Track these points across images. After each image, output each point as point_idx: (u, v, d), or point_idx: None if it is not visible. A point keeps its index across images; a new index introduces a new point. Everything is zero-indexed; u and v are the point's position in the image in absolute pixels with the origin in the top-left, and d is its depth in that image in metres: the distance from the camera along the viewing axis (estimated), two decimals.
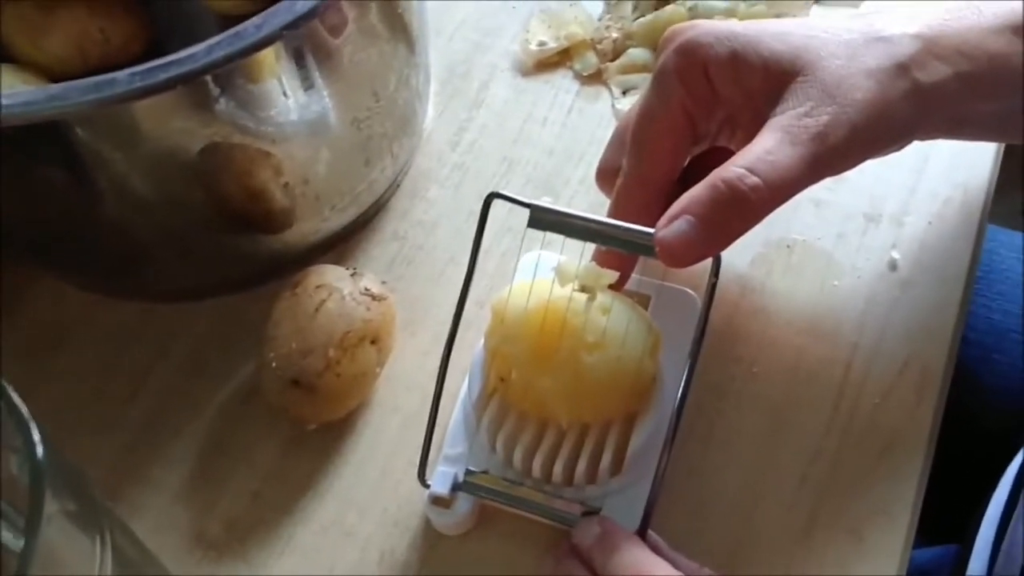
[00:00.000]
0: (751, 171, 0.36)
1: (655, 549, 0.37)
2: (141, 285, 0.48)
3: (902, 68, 0.37)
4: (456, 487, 0.40)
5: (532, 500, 0.39)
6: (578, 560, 0.38)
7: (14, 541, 0.32)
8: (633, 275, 0.43)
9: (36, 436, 0.26)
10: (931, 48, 0.38)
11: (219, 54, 0.34)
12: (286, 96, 0.40)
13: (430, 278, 0.48)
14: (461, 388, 0.42)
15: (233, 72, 0.37)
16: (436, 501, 0.40)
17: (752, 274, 0.46)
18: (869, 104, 0.37)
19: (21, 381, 0.28)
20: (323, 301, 0.41)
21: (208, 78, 0.36)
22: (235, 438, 0.44)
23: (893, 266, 0.46)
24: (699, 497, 0.41)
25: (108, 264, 0.47)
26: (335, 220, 0.47)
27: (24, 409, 0.26)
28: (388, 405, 0.44)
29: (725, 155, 0.38)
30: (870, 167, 0.41)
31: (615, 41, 0.53)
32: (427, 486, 0.40)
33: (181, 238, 0.44)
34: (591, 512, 0.38)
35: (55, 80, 0.40)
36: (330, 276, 0.42)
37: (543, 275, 0.41)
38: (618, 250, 0.39)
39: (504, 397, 0.40)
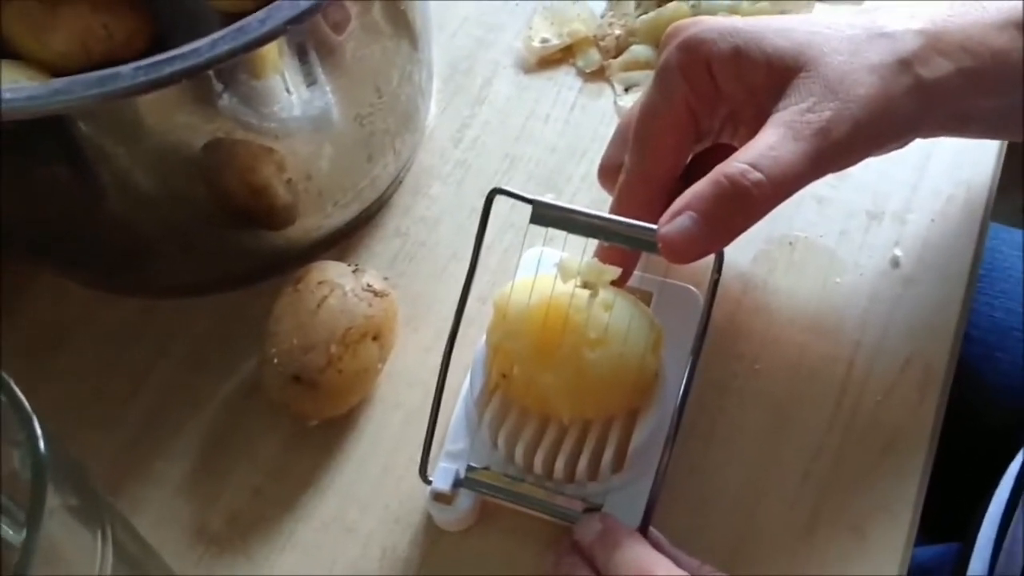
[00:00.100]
0: (754, 167, 0.36)
1: (656, 546, 0.37)
2: (143, 281, 0.48)
3: (905, 64, 0.37)
4: (457, 483, 0.40)
5: (533, 496, 0.39)
6: (579, 557, 0.38)
7: (15, 536, 0.32)
8: (635, 272, 0.43)
9: (38, 430, 0.26)
10: (934, 44, 0.38)
11: (223, 48, 0.34)
12: (289, 92, 0.40)
13: (432, 275, 0.48)
14: (463, 384, 0.42)
15: (236, 67, 0.37)
16: (437, 497, 0.40)
17: (754, 271, 0.46)
18: (872, 99, 0.37)
19: (22, 378, 0.28)
20: (325, 297, 0.41)
21: (211, 73, 0.36)
22: (236, 434, 0.44)
23: (896, 263, 0.46)
24: (701, 494, 0.41)
25: (110, 260, 0.47)
26: (337, 216, 0.47)
27: (26, 403, 0.26)
28: (390, 401, 0.44)
29: (728, 152, 0.37)
30: (873, 164, 0.41)
31: (618, 38, 0.53)
32: (429, 482, 0.40)
33: (183, 234, 0.44)
34: (592, 509, 0.38)
35: (58, 76, 0.40)
36: (332, 272, 0.42)
37: (545, 271, 0.41)
38: (621, 246, 0.39)
39: (506, 393, 0.40)
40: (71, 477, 0.27)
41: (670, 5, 0.53)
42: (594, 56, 0.53)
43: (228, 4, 0.45)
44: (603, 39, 0.53)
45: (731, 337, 0.44)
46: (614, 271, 0.39)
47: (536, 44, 0.53)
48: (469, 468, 0.40)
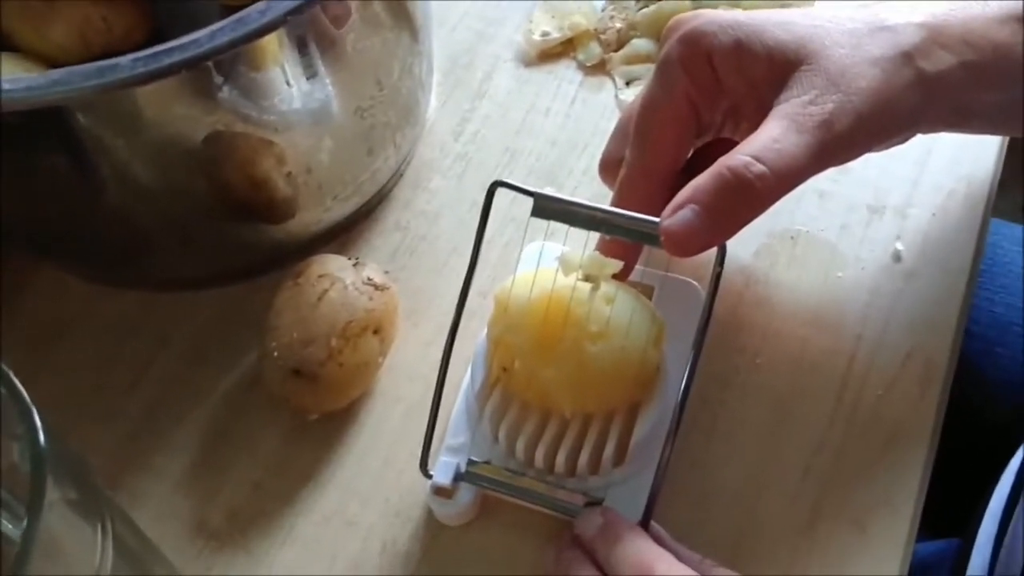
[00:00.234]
0: (757, 159, 0.35)
1: (658, 540, 0.37)
2: (142, 275, 0.48)
3: (907, 57, 0.37)
4: (458, 477, 0.40)
5: (534, 490, 0.39)
6: (580, 551, 0.37)
7: (14, 530, 0.32)
8: (637, 266, 0.43)
9: (38, 423, 0.26)
10: (936, 37, 0.38)
11: (223, 39, 0.34)
12: (289, 84, 0.40)
13: (432, 268, 0.48)
14: (463, 378, 0.42)
15: (236, 59, 0.37)
16: (438, 491, 0.40)
17: (756, 265, 0.46)
18: (874, 92, 0.37)
19: (22, 371, 0.28)
20: (325, 291, 0.41)
21: (211, 65, 0.36)
22: (236, 428, 0.44)
23: (897, 258, 0.46)
24: (702, 488, 0.41)
25: (109, 254, 0.46)
26: (337, 210, 0.47)
27: (26, 396, 0.26)
28: (390, 395, 0.44)
29: (729, 146, 0.37)
30: (874, 159, 0.41)
31: (619, 31, 0.53)
32: (429, 476, 0.40)
33: (183, 227, 0.44)
34: (594, 503, 0.38)
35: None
36: (332, 266, 0.42)
37: (546, 265, 0.41)
38: (622, 239, 0.39)
39: (507, 387, 0.40)
40: (71, 470, 0.27)
41: None
42: (595, 49, 0.53)
43: None
44: (604, 32, 0.53)
45: (732, 331, 0.44)
46: (616, 264, 0.39)
47: (537, 37, 0.53)
48: (470, 462, 0.40)
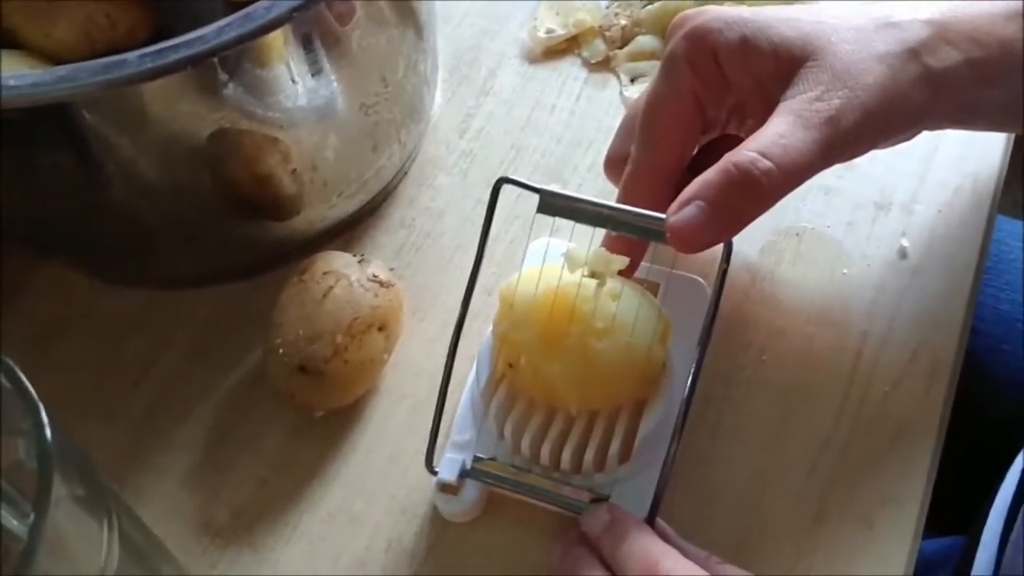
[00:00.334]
0: (764, 155, 0.35)
1: (664, 537, 0.37)
2: (147, 272, 0.48)
3: (913, 53, 0.37)
4: (464, 474, 0.40)
5: (540, 487, 0.39)
6: (586, 548, 0.37)
7: (19, 526, 0.32)
8: (643, 263, 0.43)
9: (45, 418, 0.26)
10: (942, 33, 0.38)
11: (229, 35, 0.34)
12: (294, 81, 0.40)
13: (437, 265, 0.47)
14: (469, 375, 0.42)
15: (241, 56, 0.37)
16: (444, 488, 0.40)
17: (761, 262, 0.46)
18: (881, 88, 0.36)
19: (25, 369, 0.28)
20: (331, 287, 0.41)
21: (216, 62, 0.36)
22: (241, 425, 0.44)
23: (903, 254, 0.46)
24: (708, 485, 0.41)
25: (113, 251, 0.46)
26: (342, 207, 0.47)
27: (32, 391, 0.26)
28: (396, 392, 0.44)
29: (734, 143, 0.37)
30: (880, 155, 0.41)
31: (623, 28, 0.53)
32: (435, 473, 0.40)
33: (187, 224, 0.44)
34: (599, 499, 0.38)
35: None
36: (338, 262, 0.42)
37: (552, 262, 0.40)
38: (628, 236, 0.39)
39: (512, 384, 0.40)
40: (77, 466, 0.27)
41: None
42: (600, 46, 0.53)
43: None
44: (609, 29, 0.53)
45: (738, 328, 0.44)
46: (622, 261, 0.39)
47: (541, 34, 0.53)
48: (475, 459, 0.40)
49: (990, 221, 0.47)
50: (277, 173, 0.42)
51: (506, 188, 0.39)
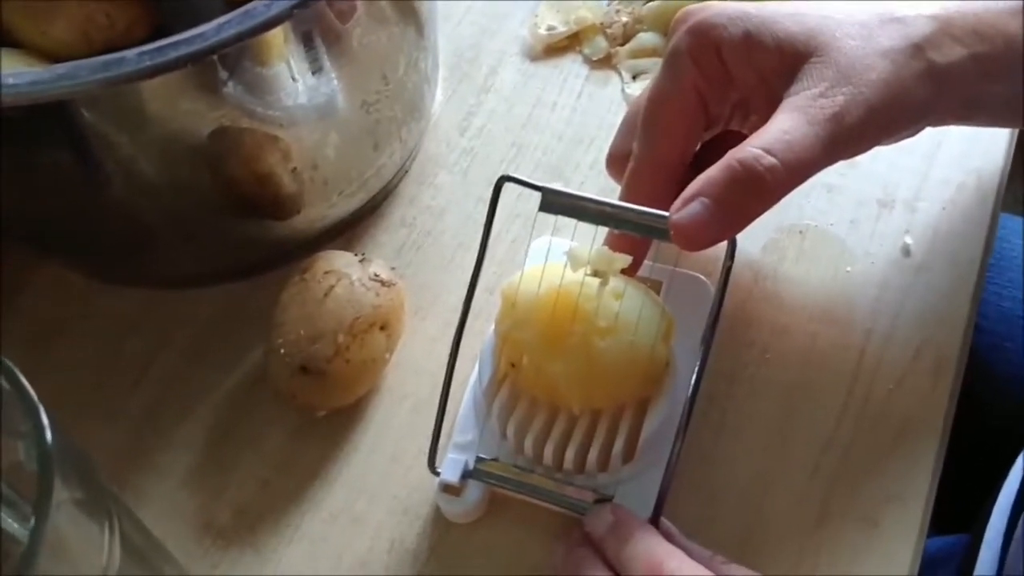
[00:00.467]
0: (768, 152, 0.35)
1: (668, 536, 0.37)
2: (146, 272, 0.48)
3: (917, 48, 0.37)
4: (466, 475, 0.39)
5: (543, 487, 0.39)
6: (590, 549, 0.37)
7: (19, 530, 0.31)
8: (646, 261, 0.42)
9: (45, 420, 0.25)
10: (946, 29, 0.37)
11: (229, 32, 0.34)
12: (295, 79, 0.39)
13: (439, 264, 0.47)
14: (471, 375, 0.42)
15: (241, 54, 0.37)
16: (446, 489, 0.39)
17: (765, 260, 0.46)
18: (884, 84, 0.36)
19: (24, 369, 0.27)
20: (332, 287, 0.41)
21: (216, 60, 0.36)
22: (242, 425, 0.44)
23: (906, 252, 0.46)
24: (711, 484, 0.41)
25: (112, 250, 0.46)
26: (343, 206, 0.47)
27: (32, 392, 0.26)
28: (397, 392, 0.44)
29: (737, 139, 0.37)
30: (883, 153, 0.40)
31: (625, 25, 0.53)
32: (437, 474, 0.39)
33: (187, 223, 0.44)
34: (603, 499, 0.38)
35: None
36: (339, 262, 0.42)
37: (554, 260, 0.40)
38: (631, 234, 0.39)
39: (515, 383, 0.40)
40: (77, 469, 0.27)
41: None
42: (601, 43, 0.53)
43: None
44: (610, 26, 0.53)
45: (742, 326, 0.44)
46: (624, 259, 0.39)
47: (542, 32, 0.53)
48: (478, 459, 0.40)
49: (994, 218, 0.47)
50: (277, 172, 0.42)
51: (508, 186, 0.39)
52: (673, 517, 0.38)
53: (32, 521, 0.24)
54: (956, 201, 0.47)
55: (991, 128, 0.48)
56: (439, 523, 0.41)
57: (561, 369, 0.38)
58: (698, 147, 0.42)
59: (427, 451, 0.40)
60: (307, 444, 0.43)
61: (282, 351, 0.40)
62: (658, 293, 0.42)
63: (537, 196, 0.39)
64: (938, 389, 0.42)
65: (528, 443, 0.39)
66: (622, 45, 0.53)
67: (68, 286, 0.48)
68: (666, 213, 0.37)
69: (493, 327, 0.41)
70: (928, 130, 0.39)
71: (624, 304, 0.38)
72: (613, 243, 0.41)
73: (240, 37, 0.34)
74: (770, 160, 0.35)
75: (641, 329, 0.38)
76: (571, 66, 0.53)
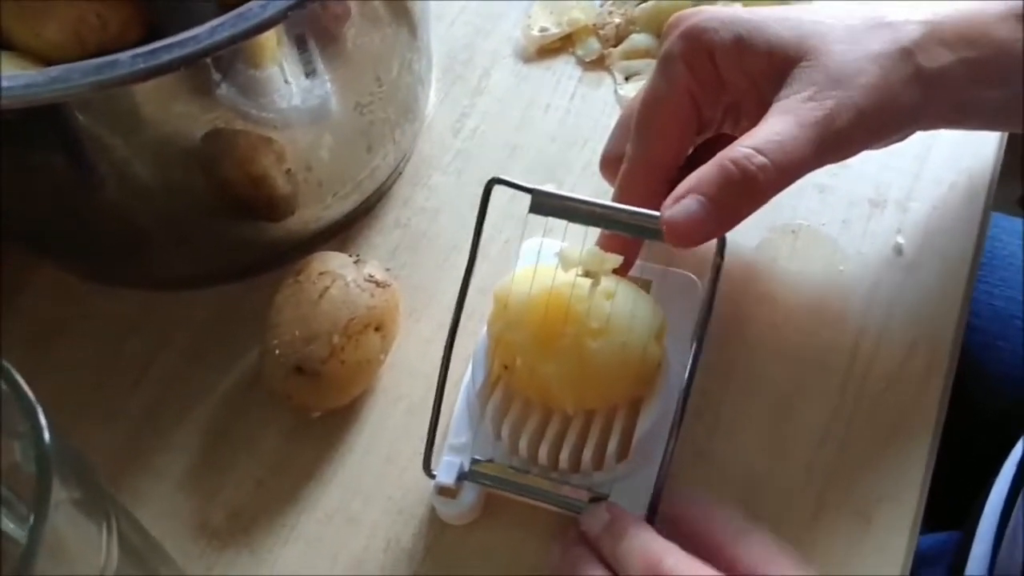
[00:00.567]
0: (759, 151, 0.35)
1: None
2: (142, 274, 0.48)
3: (906, 53, 0.37)
4: (462, 476, 0.39)
5: (539, 487, 0.39)
6: (586, 548, 0.37)
7: (17, 530, 0.31)
8: (636, 261, 0.43)
9: (43, 421, 0.25)
10: (936, 33, 0.38)
11: (223, 35, 0.34)
12: (288, 82, 0.40)
13: (433, 265, 0.47)
14: (465, 376, 0.42)
15: (235, 57, 0.37)
16: (442, 491, 0.40)
17: (758, 259, 0.46)
18: (874, 88, 0.37)
19: (22, 370, 0.27)
20: (327, 288, 0.41)
21: (209, 62, 0.36)
22: (237, 426, 0.44)
23: (898, 251, 0.46)
24: (706, 481, 0.41)
25: (108, 252, 0.46)
26: (337, 207, 0.47)
27: (30, 393, 0.26)
28: (392, 393, 0.44)
29: (729, 143, 0.37)
30: (875, 154, 0.41)
31: (618, 26, 0.53)
32: (433, 476, 0.40)
33: (182, 225, 0.44)
34: (598, 498, 0.38)
35: None
36: (333, 263, 0.42)
37: (546, 261, 0.40)
38: (622, 234, 0.39)
39: (508, 384, 0.40)
40: (75, 469, 0.27)
41: None
42: (594, 45, 0.53)
43: None
44: (603, 28, 0.53)
45: (735, 325, 0.44)
46: (615, 259, 0.39)
47: (535, 33, 0.53)
48: (473, 461, 0.40)
49: (984, 217, 0.47)
50: (271, 173, 0.42)
51: (500, 188, 0.39)
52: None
53: (30, 521, 0.24)
54: (947, 201, 0.47)
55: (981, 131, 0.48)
56: (435, 524, 0.41)
57: (554, 371, 0.38)
58: (691, 150, 0.42)
59: (422, 452, 0.40)
60: (302, 445, 0.43)
61: (277, 352, 0.40)
62: (649, 292, 0.42)
63: (529, 197, 0.39)
64: (930, 387, 0.42)
65: (523, 444, 0.39)
66: (615, 46, 0.53)
67: (66, 287, 0.48)
68: (656, 213, 0.37)
69: (486, 328, 0.41)
70: (919, 132, 0.40)
71: (616, 305, 0.38)
72: (605, 243, 0.41)
73: (234, 39, 0.34)
74: (761, 159, 0.35)
75: (633, 329, 0.38)
76: (564, 67, 0.53)
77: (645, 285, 0.42)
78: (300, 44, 0.39)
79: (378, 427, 0.43)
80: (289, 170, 0.42)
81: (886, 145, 0.40)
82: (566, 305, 0.38)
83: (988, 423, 0.55)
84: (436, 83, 0.53)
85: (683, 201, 0.36)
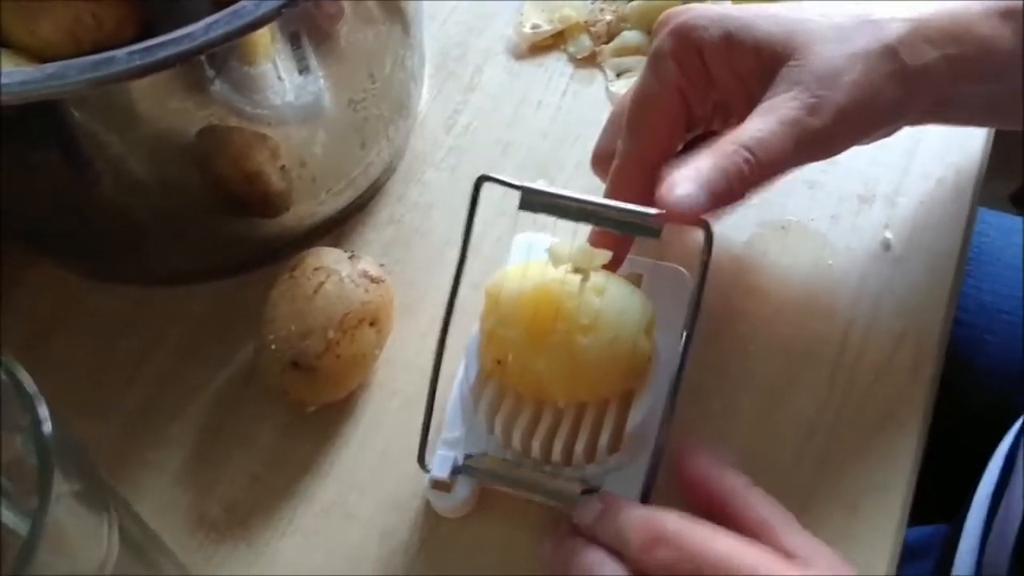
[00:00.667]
0: (744, 147, 0.36)
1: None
2: (137, 270, 0.48)
3: (890, 50, 0.38)
4: (456, 470, 0.40)
5: (532, 480, 0.39)
6: (581, 539, 0.38)
7: (19, 523, 0.32)
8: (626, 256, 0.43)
9: (44, 413, 0.26)
10: (920, 30, 0.38)
11: (217, 32, 0.34)
12: (281, 79, 0.40)
13: (427, 261, 0.48)
14: (459, 371, 0.42)
15: (229, 54, 0.37)
16: (437, 485, 0.40)
17: (748, 254, 0.46)
18: (856, 86, 0.37)
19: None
20: (322, 283, 0.41)
21: (203, 59, 0.36)
22: (233, 421, 0.44)
23: (887, 246, 0.46)
24: None
25: (104, 249, 0.46)
26: (331, 204, 0.47)
27: (31, 385, 0.26)
28: (387, 387, 0.44)
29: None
30: (863, 149, 0.41)
31: (609, 24, 0.53)
32: (427, 470, 0.40)
33: (177, 222, 0.44)
34: (591, 490, 0.39)
35: None
36: (328, 258, 0.42)
37: (537, 257, 0.41)
38: (610, 230, 0.39)
39: (501, 379, 0.40)
40: (76, 461, 0.27)
41: None
42: (585, 42, 0.53)
43: None
44: (594, 25, 0.54)
45: (725, 319, 0.45)
46: (605, 255, 0.39)
47: (527, 30, 0.54)
48: (467, 455, 0.40)
49: (972, 212, 0.47)
50: (266, 170, 0.42)
51: (492, 184, 0.39)
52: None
53: (32, 514, 0.25)
54: (934, 196, 0.48)
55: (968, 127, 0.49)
56: (430, 517, 0.41)
57: (545, 366, 0.38)
58: (681, 147, 0.42)
59: (417, 445, 0.40)
60: (298, 439, 0.43)
61: (273, 347, 0.41)
62: (639, 286, 0.42)
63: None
64: (918, 380, 0.43)
65: (516, 438, 0.39)
66: (606, 43, 0.53)
67: (62, 284, 0.48)
68: (644, 209, 0.37)
69: (479, 324, 0.41)
70: (907, 127, 0.40)
71: (605, 301, 0.38)
72: (595, 239, 0.41)
73: (228, 37, 0.35)
74: (745, 154, 0.36)
75: (623, 325, 0.38)
76: (556, 64, 0.54)
77: (636, 279, 0.43)
78: (294, 41, 0.39)
79: (373, 421, 0.44)
80: (283, 166, 0.43)
81: (873, 141, 0.40)
82: (556, 302, 0.38)
83: (976, 417, 0.56)
84: (429, 80, 0.53)
85: (680, 182, 0.36)
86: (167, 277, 0.47)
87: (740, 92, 0.40)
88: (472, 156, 0.51)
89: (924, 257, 0.46)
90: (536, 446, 0.39)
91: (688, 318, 0.38)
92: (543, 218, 0.39)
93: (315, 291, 0.41)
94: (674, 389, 0.38)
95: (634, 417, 0.39)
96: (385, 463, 0.42)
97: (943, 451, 0.47)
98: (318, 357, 0.40)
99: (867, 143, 0.40)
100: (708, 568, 0.33)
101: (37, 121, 0.37)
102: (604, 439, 0.39)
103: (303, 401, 0.42)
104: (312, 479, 0.42)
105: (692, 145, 0.42)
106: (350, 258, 0.43)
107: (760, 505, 0.37)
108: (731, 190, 0.37)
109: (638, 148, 0.41)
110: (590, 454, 0.39)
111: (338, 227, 0.49)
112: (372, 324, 0.42)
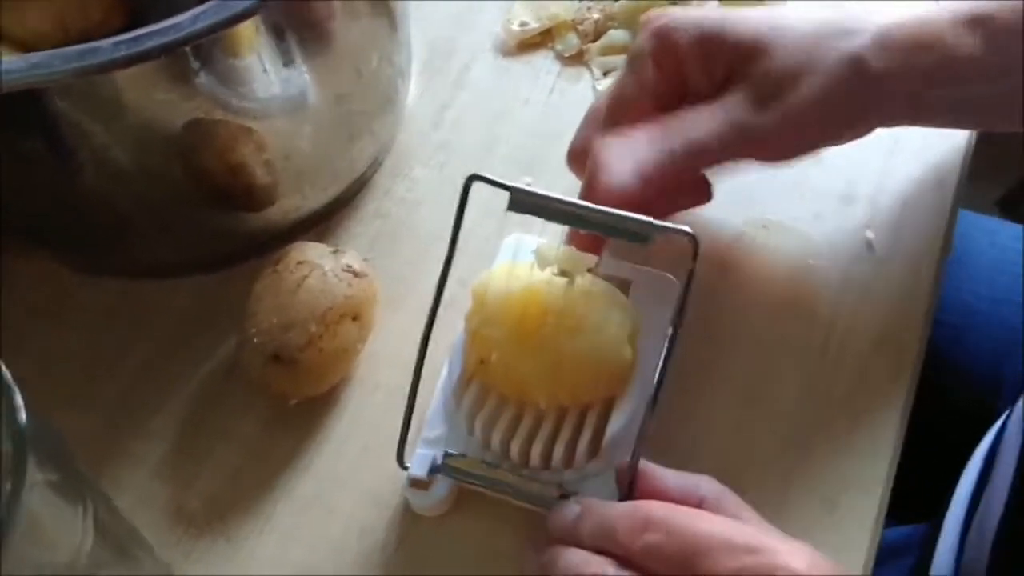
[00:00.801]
0: (683, 137, 0.39)
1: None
2: (120, 262, 0.48)
3: (855, 56, 0.39)
4: (434, 470, 0.40)
5: (509, 483, 0.39)
6: (561, 545, 0.37)
7: None
8: (614, 259, 0.43)
9: (19, 401, 0.26)
10: (888, 36, 0.39)
11: (204, 23, 0.34)
12: (266, 71, 0.40)
13: (414, 256, 0.48)
14: (442, 369, 0.42)
15: (214, 46, 0.37)
16: (414, 483, 0.40)
17: (730, 254, 0.47)
18: (811, 88, 0.38)
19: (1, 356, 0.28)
20: (305, 277, 0.41)
21: (188, 51, 0.36)
22: (215, 414, 0.44)
23: (868, 245, 0.47)
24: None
25: (87, 241, 0.46)
26: (316, 198, 0.47)
27: (7, 374, 0.26)
28: (370, 382, 0.44)
29: None
30: (845, 149, 0.42)
31: (596, 22, 0.53)
32: (406, 468, 0.40)
33: (161, 214, 0.44)
34: (567, 496, 0.38)
35: None
36: (312, 253, 0.42)
37: (524, 257, 0.41)
38: (598, 234, 0.39)
39: (484, 379, 0.40)
40: (53, 452, 0.27)
41: None
42: (573, 40, 0.54)
43: None
44: (582, 23, 0.54)
45: (707, 319, 0.45)
46: (591, 259, 0.39)
47: (515, 27, 0.54)
48: (446, 455, 0.40)
49: (953, 213, 0.48)
50: (250, 163, 0.42)
51: (482, 183, 0.39)
52: None
53: (4, 502, 0.25)
54: (916, 196, 0.48)
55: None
56: (408, 514, 0.41)
57: (529, 367, 0.38)
58: None
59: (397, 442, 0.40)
60: (279, 433, 0.43)
61: (255, 340, 0.41)
62: (626, 291, 0.42)
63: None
64: (898, 379, 0.43)
65: (495, 439, 0.39)
66: (593, 42, 0.54)
67: (45, 276, 0.48)
68: (630, 214, 0.37)
69: (464, 323, 0.41)
70: (883, 129, 0.41)
71: (590, 304, 0.38)
72: (577, 241, 0.41)
73: (213, 28, 0.35)
74: (681, 143, 0.39)
75: (606, 329, 0.38)
76: (543, 62, 0.54)
77: (624, 285, 0.43)
78: (278, 34, 0.39)
79: (355, 416, 0.44)
80: (268, 160, 0.43)
81: (842, 142, 0.41)
82: (542, 304, 0.38)
83: (955, 417, 0.56)
84: (416, 76, 0.53)
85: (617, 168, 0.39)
86: (150, 270, 0.47)
87: (712, 93, 0.40)
88: (459, 152, 0.51)
89: (905, 258, 0.46)
90: (515, 448, 0.39)
91: (671, 330, 0.38)
92: (530, 218, 0.39)
93: (298, 285, 0.41)
94: (653, 399, 0.37)
95: (614, 424, 0.39)
96: (366, 458, 0.42)
97: (923, 450, 0.47)
98: (300, 350, 0.40)
99: (837, 144, 0.41)
100: (701, 547, 0.33)
101: (21, 110, 0.37)
102: (583, 445, 0.39)
103: (285, 394, 0.42)
104: (293, 473, 0.42)
105: None
106: (333, 253, 0.43)
107: (734, 508, 0.37)
108: (662, 178, 0.38)
109: None
110: (568, 459, 0.39)
111: (324, 221, 0.49)
112: (355, 318, 0.42)
